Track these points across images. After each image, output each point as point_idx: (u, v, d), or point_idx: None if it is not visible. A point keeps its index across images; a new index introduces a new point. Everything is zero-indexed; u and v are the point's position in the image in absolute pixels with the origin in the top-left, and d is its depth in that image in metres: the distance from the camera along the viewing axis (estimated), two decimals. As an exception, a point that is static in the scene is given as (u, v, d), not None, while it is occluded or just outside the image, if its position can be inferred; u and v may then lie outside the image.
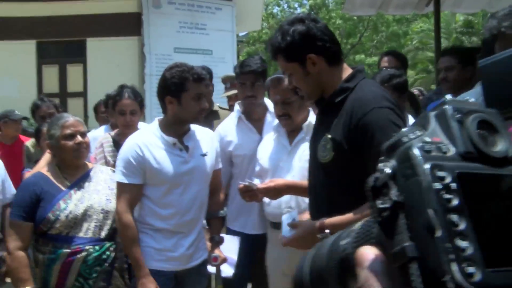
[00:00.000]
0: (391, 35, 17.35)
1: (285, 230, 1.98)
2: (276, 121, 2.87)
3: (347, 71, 1.85)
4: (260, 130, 2.99)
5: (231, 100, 4.03)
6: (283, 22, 1.88)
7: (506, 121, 0.47)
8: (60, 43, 7.76)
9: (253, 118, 3.01)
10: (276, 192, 2.33)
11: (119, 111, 3.14)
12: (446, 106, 0.46)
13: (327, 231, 1.72)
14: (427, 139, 0.43)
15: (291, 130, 2.59)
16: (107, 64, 7.31)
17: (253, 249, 2.90)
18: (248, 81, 2.93)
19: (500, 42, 1.23)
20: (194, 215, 2.47)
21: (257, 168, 2.72)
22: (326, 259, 0.53)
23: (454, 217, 0.38)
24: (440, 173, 0.40)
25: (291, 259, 2.50)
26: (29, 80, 7.49)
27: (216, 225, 2.67)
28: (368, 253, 0.44)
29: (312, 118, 2.58)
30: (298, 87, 1.89)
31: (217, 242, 2.61)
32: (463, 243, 0.37)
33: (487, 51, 1.31)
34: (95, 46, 7.56)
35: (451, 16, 16.74)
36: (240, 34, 16.80)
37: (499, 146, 0.44)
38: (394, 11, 5.90)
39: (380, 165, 0.44)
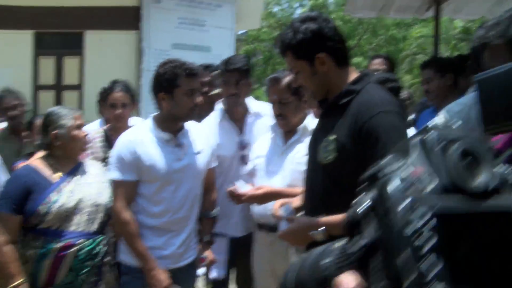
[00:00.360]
0: (390, 39, 17.37)
1: (283, 223, 1.99)
2: (259, 121, 2.92)
3: (353, 74, 1.85)
4: (241, 131, 2.95)
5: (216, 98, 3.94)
6: (295, 20, 1.87)
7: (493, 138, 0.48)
8: (58, 35, 7.69)
9: (235, 117, 2.97)
10: (262, 199, 2.37)
11: (110, 104, 3.13)
12: (430, 133, 0.45)
13: (321, 229, 1.71)
14: (408, 170, 0.42)
15: (287, 130, 2.57)
16: (104, 58, 7.25)
17: (233, 251, 2.90)
18: (232, 78, 2.88)
19: (488, 51, 1.23)
20: (186, 213, 2.46)
21: (250, 166, 2.70)
22: (309, 275, 0.53)
23: (431, 258, 0.37)
24: (419, 210, 0.39)
25: (276, 260, 2.50)
26: (25, 71, 7.41)
27: (207, 225, 2.65)
28: (348, 281, 0.44)
29: (308, 121, 2.57)
30: (304, 86, 1.89)
31: (207, 242, 2.60)
32: (438, 285, 0.37)
33: (476, 59, 1.33)
34: (93, 39, 7.49)
35: (449, 22, 16.78)
36: (239, 32, 16.77)
37: (482, 177, 0.43)
38: (395, 14, 5.91)
39: (360, 196, 0.43)
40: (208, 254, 2.56)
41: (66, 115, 2.51)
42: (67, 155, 2.52)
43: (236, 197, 2.44)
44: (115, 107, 3.11)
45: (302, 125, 2.54)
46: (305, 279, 0.54)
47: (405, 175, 0.41)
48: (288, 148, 2.53)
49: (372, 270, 0.40)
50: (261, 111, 2.99)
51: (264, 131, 2.91)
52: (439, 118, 1.57)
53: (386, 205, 0.39)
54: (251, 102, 3.00)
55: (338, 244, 0.50)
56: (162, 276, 2.35)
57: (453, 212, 0.40)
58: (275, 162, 2.54)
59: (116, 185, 2.39)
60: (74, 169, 2.53)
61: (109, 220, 2.52)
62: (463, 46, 16.74)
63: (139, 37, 7.60)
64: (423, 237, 0.37)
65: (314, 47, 1.77)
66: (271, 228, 2.46)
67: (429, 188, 0.41)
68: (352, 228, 0.42)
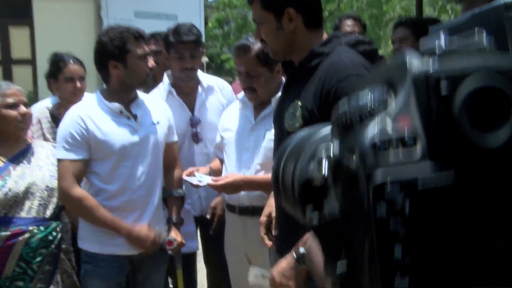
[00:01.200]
0: (372, 2, 17.31)
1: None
2: (211, 97, 2.91)
3: (324, 38, 1.83)
4: (191, 107, 2.90)
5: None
6: None
7: None
8: (0, 1, 7.42)
9: (184, 92, 2.91)
10: (233, 188, 2.35)
11: (66, 78, 3.03)
12: (430, 68, 0.34)
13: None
14: (388, 123, 0.33)
15: (258, 104, 2.52)
16: (58, 28, 7.05)
17: None
18: (187, 51, 2.81)
19: (464, 2, 1.23)
20: (148, 191, 2.43)
21: (218, 140, 2.66)
22: (296, 178, 0.47)
23: (397, 250, 0.32)
24: (392, 189, 0.32)
25: (251, 244, 2.48)
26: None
27: (173, 205, 2.61)
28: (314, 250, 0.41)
29: None
30: (265, 41, 1.87)
31: (174, 224, 2.56)
32: (402, 282, 0.32)
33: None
34: (43, 7, 7.26)
35: (436, -18, 16.81)
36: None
37: (501, 131, 0.33)
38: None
39: (321, 149, 0.36)
40: (176, 236, 2.53)
41: None
42: (3, 137, 2.44)
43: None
44: (73, 81, 3.02)
45: (276, 96, 2.43)
46: (297, 167, 0.48)
47: (386, 127, 0.33)
48: (259, 122, 2.48)
49: (332, 251, 0.35)
50: (213, 85, 2.97)
51: (217, 107, 2.90)
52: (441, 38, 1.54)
53: (354, 171, 0.33)
54: (201, 76, 2.95)
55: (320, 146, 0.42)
56: (143, 233, 2.37)
57: (441, 191, 0.32)
58: (245, 138, 2.48)
59: (63, 164, 2.34)
60: (22, 152, 2.47)
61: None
62: (449, 9, 16.84)
63: (97, 5, 7.43)
64: (398, 221, 0.31)
65: (285, 1, 1.76)
66: (243, 210, 2.45)
67: (415, 151, 0.33)
68: (307, 193, 0.37)
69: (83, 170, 2.37)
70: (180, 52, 2.81)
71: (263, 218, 2.20)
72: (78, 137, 2.33)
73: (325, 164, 0.35)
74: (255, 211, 2.34)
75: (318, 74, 1.73)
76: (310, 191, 0.36)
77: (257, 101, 2.50)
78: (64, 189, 2.33)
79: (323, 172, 0.35)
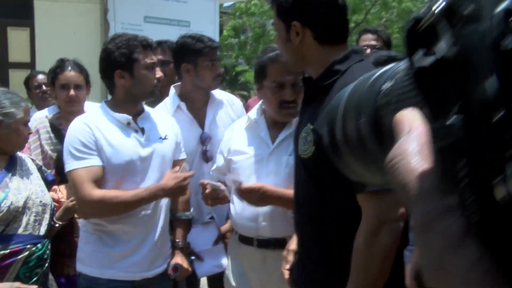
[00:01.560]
0: (403, 13, 17.30)
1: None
2: (221, 112, 2.90)
3: (343, 53, 1.83)
4: (201, 123, 2.90)
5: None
6: None
7: None
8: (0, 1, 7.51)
9: (196, 106, 2.91)
10: (260, 196, 2.26)
11: (61, 85, 3.12)
12: None
13: None
14: None
15: (273, 123, 2.46)
16: (60, 31, 7.11)
17: None
18: (216, 57, 2.88)
19: None
20: (154, 210, 2.43)
21: (220, 163, 2.61)
22: (366, 98, 0.48)
23: None
24: None
25: (268, 279, 2.43)
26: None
27: (180, 229, 2.62)
28: (413, 118, 0.38)
29: None
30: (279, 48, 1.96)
31: (180, 248, 2.56)
32: None
33: None
34: (45, 7, 7.33)
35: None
36: (225, 5, 16.65)
37: None
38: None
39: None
40: (182, 262, 2.52)
41: (19, 105, 2.46)
42: (1, 149, 2.47)
43: (213, 197, 2.42)
44: (67, 88, 3.10)
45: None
46: (361, 101, 0.49)
47: None
48: (278, 146, 2.42)
49: (440, 102, 0.34)
50: (222, 99, 2.98)
51: (227, 123, 2.87)
52: None
53: (475, 5, 0.32)
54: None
55: (403, 66, 0.44)
56: (173, 178, 2.37)
57: None
58: (264, 164, 2.42)
59: (76, 174, 2.30)
60: (11, 163, 2.48)
61: (54, 224, 2.52)
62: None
63: (104, 7, 7.49)
64: None
65: (291, 14, 1.79)
66: (263, 242, 2.40)
67: None
68: (415, 37, 0.35)
69: (100, 177, 2.33)
70: (213, 59, 2.86)
71: (286, 251, 2.15)
72: (88, 143, 2.33)
73: (437, 5, 0.34)
74: (277, 243, 2.31)
75: (331, 94, 1.71)
76: (418, 33, 0.35)
77: (293, 118, 2.41)
78: (84, 198, 2.29)
79: (434, 9, 0.34)
